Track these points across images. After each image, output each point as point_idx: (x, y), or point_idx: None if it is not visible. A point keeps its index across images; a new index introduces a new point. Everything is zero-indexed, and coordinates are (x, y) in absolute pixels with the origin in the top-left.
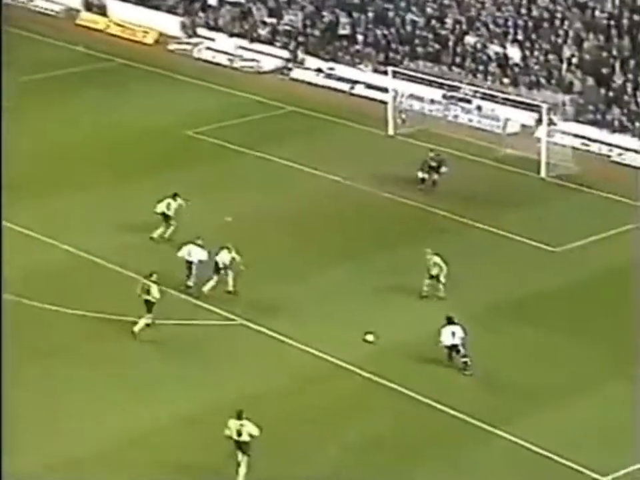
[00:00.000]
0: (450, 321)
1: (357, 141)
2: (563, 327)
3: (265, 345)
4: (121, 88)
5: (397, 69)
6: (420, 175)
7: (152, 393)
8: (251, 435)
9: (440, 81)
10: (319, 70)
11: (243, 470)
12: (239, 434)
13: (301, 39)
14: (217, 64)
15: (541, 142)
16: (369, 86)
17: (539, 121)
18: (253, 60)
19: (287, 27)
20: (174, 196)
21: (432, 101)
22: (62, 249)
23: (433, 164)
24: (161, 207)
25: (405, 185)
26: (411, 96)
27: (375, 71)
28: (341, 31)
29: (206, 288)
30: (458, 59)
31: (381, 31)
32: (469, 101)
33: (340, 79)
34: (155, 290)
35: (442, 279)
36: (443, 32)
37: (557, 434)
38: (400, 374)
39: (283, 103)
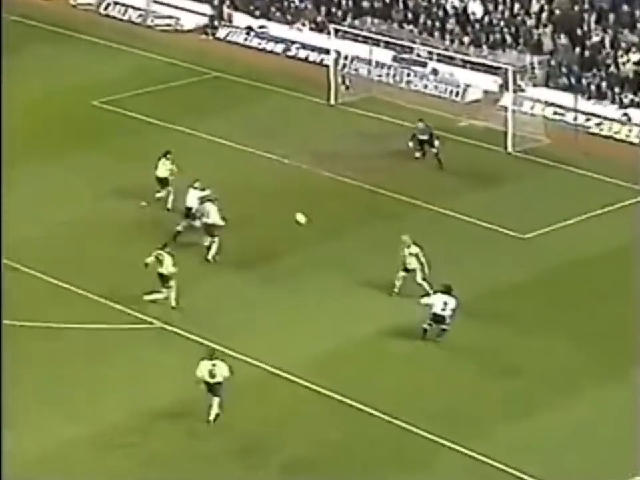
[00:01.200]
0: (446, 290)
1: (294, 111)
2: (532, 323)
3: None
4: (12, 50)
5: (339, 27)
6: (416, 154)
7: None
8: (223, 376)
9: (389, 40)
10: (249, 29)
11: (215, 411)
12: (212, 375)
13: None
14: (128, 21)
15: (506, 111)
16: (307, 47)
17: (504, 87)
18: (170, 17)
19: None
20: (166, 155)
21: (380, 65)
22: None
23: (424, 137)
24: (161, 171)
25: (349, 162)
26: (356, 58)
27: (314, 29)
28: None
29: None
30: (410, 15)
31: None
32: (423, 64)
33: (273, 39)
34: (169, 262)
35: (419, 278)
36: None
37: (525, 448)
38: (344, 383)
39: (206, 68)
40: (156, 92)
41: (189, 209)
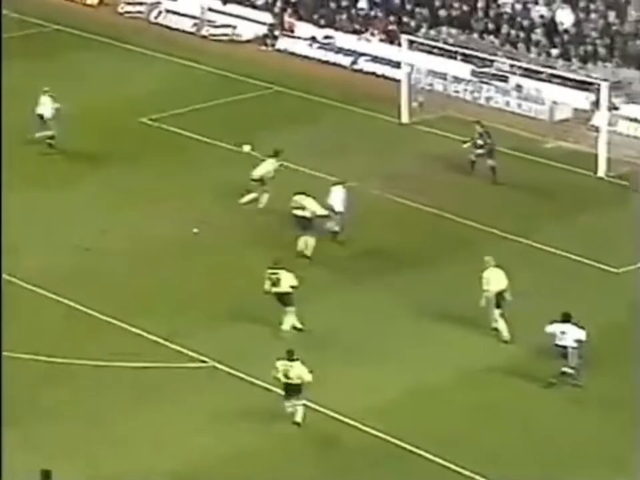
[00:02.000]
0: (565, 320)
1: (361, 130)
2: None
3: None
4: (53, 62)
5: (412, 38)
6: (471, 157)
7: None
8: (301, 379)
9: (468, 52)
10: (313, 39)
11: (300, 414)
12: (287, 376)
13: None
14: (180, 31)
15: (599, 131)
16: (376, 59)
17: (596, 105)
18: (226, 26)
19: None
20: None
21: (457, 79)
22: None
23: (481, 141)
24: (260, 171)
25: (422, 186)
26: (431, 73)
27: (384, 40)
28: None
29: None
30: (491, 25)
31: None
32: (505, 79)
33: (339, 50)
34: (287, 278)
35: (496, 315)
36: None
37: None
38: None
39: (265, 82)
40: (209, 109)
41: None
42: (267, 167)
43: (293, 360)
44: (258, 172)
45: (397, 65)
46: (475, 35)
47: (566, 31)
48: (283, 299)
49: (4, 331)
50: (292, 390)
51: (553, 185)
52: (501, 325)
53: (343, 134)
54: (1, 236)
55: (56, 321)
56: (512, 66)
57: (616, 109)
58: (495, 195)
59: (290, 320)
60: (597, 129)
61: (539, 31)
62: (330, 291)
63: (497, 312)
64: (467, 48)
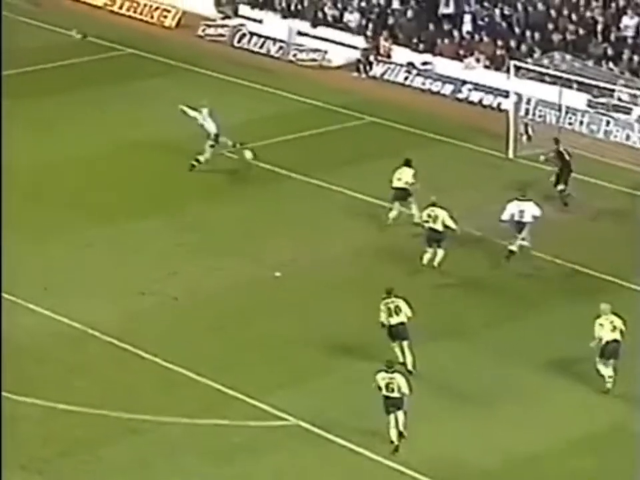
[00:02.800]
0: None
1: (464, 165)
2: None
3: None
4: (127, 88)
5: (520, 64)
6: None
7: None
8: (401, 392)
9: (584, 81)
10: (410, 65)
11: (399, 429)
12: (389, 389)
13: (385, 21)
14: (265, 55)
15: None
16: (481, 88)
17: None
18: (316, 51)
19: (365, 5)
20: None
21: (572, 110)
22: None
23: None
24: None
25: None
26: (542, 103)
27: (490, 67)
28: (443, 10)
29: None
30: (611, 51)
31: (500, 10)
32: (626, 111)
33: (439, 78)
34: (405, 306)
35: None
36: (589, 13)
37: None
38: None
39: (358, 112)
40: (296, 141)
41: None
42: (406, 176)
43: (394, 372)
44: (400, 181)
45: (505, 94)
46: (592, 62)
47: None
48: (399, 330)
49: (77, 383)
50: (395, 401)
51: None
52: (605, 371)
53: (444, 169)
54: (1, 241)
55: (132, 374)
56: (634, 96)
57: None
58: (614, 237)
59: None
60: None
61: None
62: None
63: (600, 361)
64: (582, 76)
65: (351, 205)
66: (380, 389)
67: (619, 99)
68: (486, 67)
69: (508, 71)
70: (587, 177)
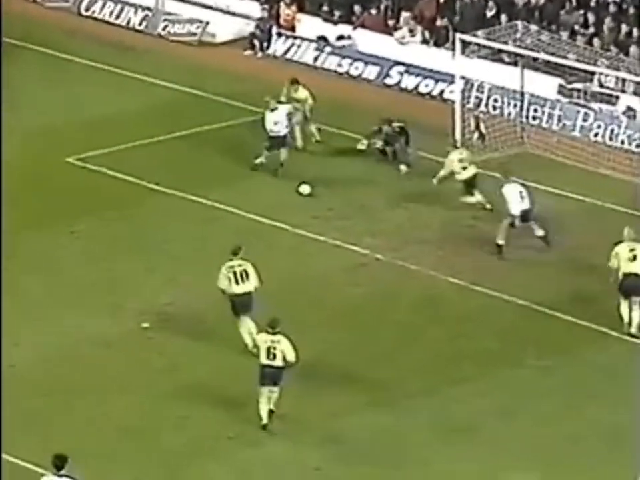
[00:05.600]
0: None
1: (393, 176)
2: None
3: None
4: None
5: (470, 38)
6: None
7: None
8: (285, 360)
9: (553, 60)
10: (322, 40)
11: (270, 406)
12: (271, 356)
13: None
14: (125, 27)
15: None
16: (417, 70)
17: None
18: (194, 22)
19: None
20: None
21: (538, 100)
22: None
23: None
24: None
25: (487, 265)
26: (498, 89)
27: (428, 42)
28: None
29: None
30: (592, 18)
31: None
32: (610, 100)
33: (361, 57)
34: (253, 274)
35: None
36: None
37: None
38: None
39: (251, 104)
40: (168, 143)
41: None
42: (452, 162)
43: (276, 332)
44: (465, 174)
45: (449, 78)
46: (565, 35)
47: None
48: (244, 302)
49: None
50: (274, 373)
51: None
52: (627, 314)
53: (365, 182)
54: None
55: None
56: (621, 81)
57: None
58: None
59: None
60: None
61: None
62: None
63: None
64: (551, 53)
65: (243, 229)
66: (258, 354)
67: (601, 85)
68: (424, 41)
69: (453, 47)
70: (555, 188)
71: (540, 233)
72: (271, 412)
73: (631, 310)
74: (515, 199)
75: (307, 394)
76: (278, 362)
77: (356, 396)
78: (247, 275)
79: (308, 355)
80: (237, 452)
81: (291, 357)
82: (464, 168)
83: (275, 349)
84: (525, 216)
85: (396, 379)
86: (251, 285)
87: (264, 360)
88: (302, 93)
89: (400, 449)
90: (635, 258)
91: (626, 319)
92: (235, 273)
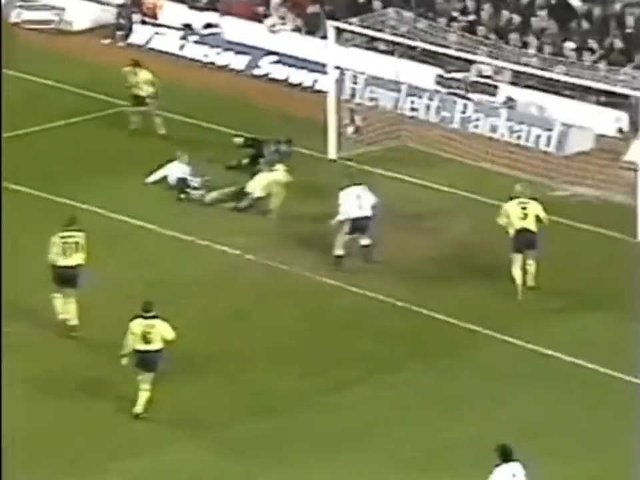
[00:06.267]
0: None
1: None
2: None
3: None
4: None
5: (343, 26)
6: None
7: None
8: (164, 341)
9: (431, 49)
10: (188, 28)
11: (145, 396)
12: (147, 340)
13: None
14: None
15: (638, 171)
16: (288, 60)
17: (634, 130)
18: (49, 8)
19: None
20: None
21: (416, 91)
22: None
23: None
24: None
25: (358, 260)
26: (373, 80)
27: (299, 30)
28: None
29: None
30: (470, 4)
31: None
32: (490, 90)
33: (230, 46)
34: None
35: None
36: None
37: None
38: None
39: (111, 96)
40: (21, 138)
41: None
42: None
43: (152, 317)
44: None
45: (322, 68)
46: (443, 22)
47: (586, 15)
48: (69, 276)
49: None
50: (149, 358)
51: (570, 252)
52: (519, 276)
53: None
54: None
55: None
56: (500, 69)
57: None
58: (473, 274)
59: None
60: (635, 168)
61: (542, 13)
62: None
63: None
64: (429, 42)
65: (108, 230)
66: (132, 335)
67: (480, 74)
68: (295, 29)
69: (326, 35)
70: (441, 185)
71: (365, 242)
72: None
73: (525, 264)
74: (350, 204)
75: (182, 403)
76: (155, 345)
77: (235, 402)
78: (77, 247)
79: (180, 360)
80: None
81: (170, 335)
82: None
83: (150, 333)
84: (360, 224)
85: (271, 385)
86: (79, 258)
87: (140, 345)
88: (144, 75)
89: (279, 454)
90: (526, 215)
91: (518, 281)
92: (65, 244)
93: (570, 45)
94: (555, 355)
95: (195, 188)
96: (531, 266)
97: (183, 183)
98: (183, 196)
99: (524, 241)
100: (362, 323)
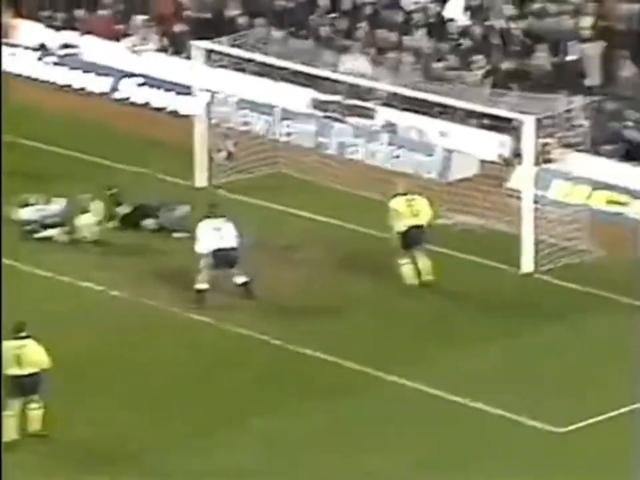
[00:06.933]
0: None
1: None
2: None
3: None
4: None
5: (212, 46)
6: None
7: None
8: (39, 366)
9: (305, 71)
10: (43, 49)
11: (37, 415)
12: (20, 363)
13: None
14: None
15: (521, 199)
16: (155, 82)
17: (516, 155)
18: None
19: None
20: None
21: (290, 115)
22: None
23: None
24: None
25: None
26: (245, 103)
27: (166, 50)
28: None
29: None
30: (344, 24)
31: None
32: (368, 114)
33: (90, 68)
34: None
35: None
36: None
37: None
38: None
39: None
40: None
41: None
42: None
43: (23, 337)
44: None
45: (189, 90)
46: (313, 41)
47: (463, 33)
48: None
49: None
50: (27, 382)
51: (450, 285)
52: (411, 274)
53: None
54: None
55: None
56: (378, 93)
57: (548, 161)
58: (358, 310)
59: None
60: (517, 196)
61: (420, 33)
62: None
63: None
64: (304, 63)
65: None
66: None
67: (358, 96)
68: (161, 49)
69: (190, 56)
70: (316, 215)
71: (241, 280)
72: (38, 434)
73: (415, 261)
74: (206, 236)
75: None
76: (28, 369)
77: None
78: None
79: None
80: None
81: (42, 360)
82: None
83: (21, 356)
84: (223, 256)
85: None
86: None
87: (13, 370)
88: None
89: None
90: (414, 212)
91: (410, 280)
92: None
93: (450, 64)
94: (438, 394)
95: (48, 226)
96: (423, 261)
97: (35, 224)
98: (37, 235)
99: (413, 237)
100: (233, 360)
